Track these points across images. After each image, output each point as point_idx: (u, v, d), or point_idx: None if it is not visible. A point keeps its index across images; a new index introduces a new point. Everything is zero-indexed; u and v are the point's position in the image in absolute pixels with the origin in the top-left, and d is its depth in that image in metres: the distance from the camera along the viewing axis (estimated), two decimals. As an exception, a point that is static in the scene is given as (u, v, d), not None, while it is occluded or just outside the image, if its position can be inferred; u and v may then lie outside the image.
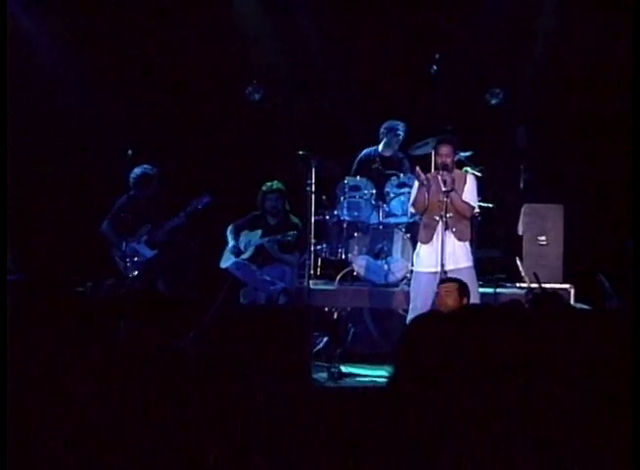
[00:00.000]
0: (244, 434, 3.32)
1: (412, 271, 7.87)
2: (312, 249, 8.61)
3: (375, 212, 8.94)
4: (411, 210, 7.80)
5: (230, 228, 8.87)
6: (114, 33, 9.65)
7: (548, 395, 3.25)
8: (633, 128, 8.56)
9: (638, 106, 8.45)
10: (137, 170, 8.69)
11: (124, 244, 8.54)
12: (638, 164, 8.34)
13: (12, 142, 8.17)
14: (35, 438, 3.30)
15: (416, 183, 7.55)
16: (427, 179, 7.31)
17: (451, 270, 7.24)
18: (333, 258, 8.97)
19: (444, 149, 7.39)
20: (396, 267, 8.65)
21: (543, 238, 9.05)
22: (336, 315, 8.79)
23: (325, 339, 8.40)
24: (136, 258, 8.58)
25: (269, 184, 8.76)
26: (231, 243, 8.75)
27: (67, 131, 9.82)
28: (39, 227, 9.49)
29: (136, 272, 8.57)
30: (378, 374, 7.71)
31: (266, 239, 8.62)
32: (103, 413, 3.40)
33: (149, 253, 8.66)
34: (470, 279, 7.25)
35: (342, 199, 8.92)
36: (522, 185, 9.73)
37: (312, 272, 8.61)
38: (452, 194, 7.26)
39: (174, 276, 8.76)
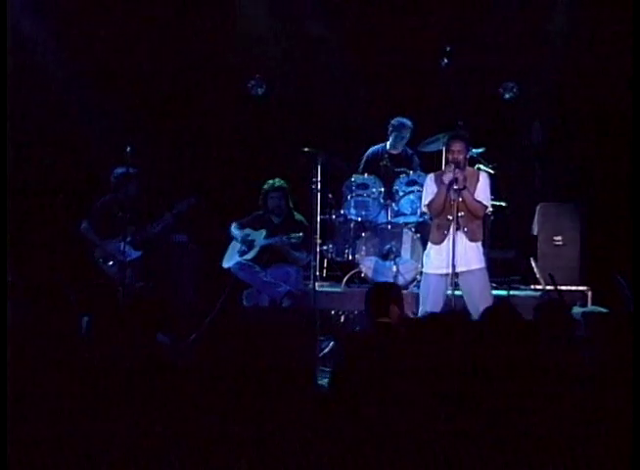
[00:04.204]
0: (246, 439, 3.38)
1: (422, 273, 7.67)
2: (318, 249, 8.53)
3: (383, 211, 8.83)
4: (424, 210, 7.58)
5: (234, 225, 8.72)
6: (113, 28, 9.57)
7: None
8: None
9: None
10: (118, 170, 8.60)
11: (107, 244, 8.50)
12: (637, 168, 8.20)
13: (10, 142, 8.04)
14: (32, 438, 3.41)
15: (428, 180, 7.36)
16: (450, 182, 7.04)
17: (462, 272, 7.12)
18: (339, 258, 8.88)
19: (456, 145, 7.19)
20: (406, 269, 8.54)
21: (559, 238, 8.99)
22: (343, 319, 8.73)
23: (331, 343, 8.26)
24: (120, 259, 8.43)
25: (271, 182, 8.61)
26: (239, 234, 8.55)
27: (65, 129, 9.72)
28: (33, 228, 9.31)
29: (120, 273, 8.40)
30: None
31: (275, 238, 8.39)
32: (101, 415, 3.49)
33: (134, 254, 8.52)
34: (482, 281, 7.21)
35: (349, 197, 8.80)
36: (537, 183, 9.62)
37: (318, 274, 8.51)
38: (464, 192, 7.10)
39: (162, 277, 8.64)
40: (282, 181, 8.60)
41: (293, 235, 8.34)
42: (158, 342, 4.68)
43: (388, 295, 5.73)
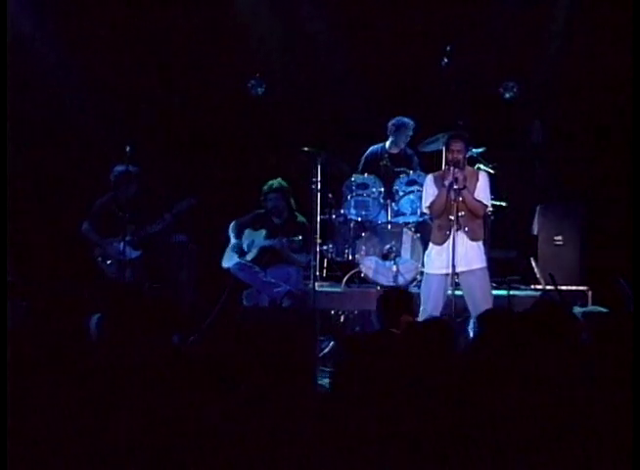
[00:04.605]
0: (246, 438, 3.38)
1: (422, 273, 7.66)
2: (318, 249, 8.48)
3: (383, 211, 8.79)
4: (425, 211, 7.55)
5: (232, 225, 8.68)
6: (111, 28, 9.56)
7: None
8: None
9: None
10: (118, 168, 8.57)
11: (108, 244, 8.49)
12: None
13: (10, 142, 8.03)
14: (33, 438, 3.40)
15: (428, 181, 7.34)
16: (450, 183, 7.03)
17: (463, 272, 7.11)
18: (339, 258, 8.84)
19: (456, 145, 7.18)
20: (406, 268, 8.50)
21: (559, 238, 8.96)
22: (343, 319, 8.72)
23: (331, 343, 8.27)
24: (120, 259, 8.41)
25: (269, 183, 8.57)
26: (233, 241, 8.53)
27: (65, 129, 9.71)
28: (31, 228, 9.29)
29: (119, 272, 8.41)
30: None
31: (275, 240, 8.34)
32: (101, 416, 3.48)
33: (133, 253, 8.52)
34: (483, 281, 7.20)
35: (349, 197, 8.76)
36: (537, 183, 9.60)
37: (318, 274, 8.46)
38: (464, 192, 7.09)
39: (162, 276, 8.65)
40: (281, 182, 8.55)
41: (292, 239, 8.29)
42: (170, 342, 4.66)
43: (399, 305, 5.70)
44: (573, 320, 4.40)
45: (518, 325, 4.17)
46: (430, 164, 8.70)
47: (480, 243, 7.21)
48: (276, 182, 8.54)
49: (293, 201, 8.65)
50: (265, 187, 8.56)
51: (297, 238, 8.27)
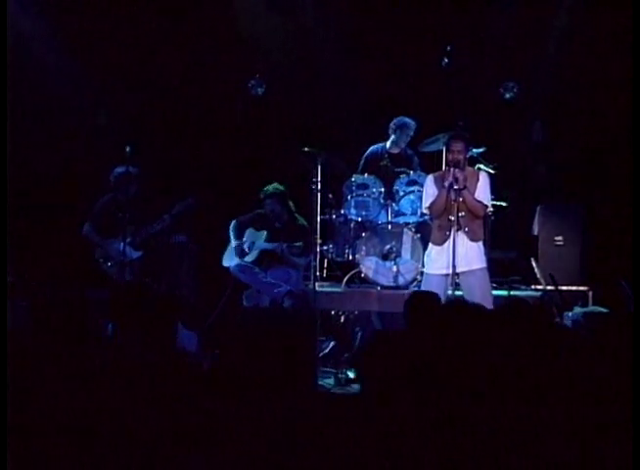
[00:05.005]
0: (246, 438, 3.38)
1: (422, 273, 7.67)
2: (318, 250, 8.48)
3: (383, 212, 8.79)
4: (425, 211, 7.56)
5: (233, 225, 8.66)
6: (111, 28, 9.56)
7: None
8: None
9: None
10: (117, 170, 8.57)
11: (109, 245, 8.50)
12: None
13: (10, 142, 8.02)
14: (34, 441, 3.39)
15: (428, 182, 7.36)
16: (451, 184, 7.03)
17: (463, 272, 7.13)
18: (340, 259, 8.83)
19: (456, 145, 7.19)
20: (406, 269, 8.50)
21: (560, 238, 8.96)
22: (343, 319, 8.70)
23: (332, 343, 8.32)
24: (121, 260, 8.40)
25: (265, 189, 8.49)
26: (234, 242, 8.49)
27: (65, 130, 9.73)
28: (31, 228, 9.29)
29: (120, 273, 8.41)
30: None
31: (275, 245, 8.34)
32: (102, 415, 3.47)
33: (134, 254, 8.52)
34: (483, 281, 7.22)
35: (349, 197, 8.76)
36: (537, 183, 9.63)
37: (318, 274, 8.45)
38: (464, 192, 7.11)
39: (162, 277, 8.63)
40: (276, 187, 8.44)
41: (292, 245, 8.26)
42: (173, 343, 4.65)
43: (426, 307, 5.67)
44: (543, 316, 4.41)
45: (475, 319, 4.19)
46: (430, 164, 8.71)
47: (481, 243, 7.23)
48: (271, 187, 8.47)
49: (291, 203, 8.60)
50: (261, 193, 8.51)
51: (297, 244, 8.23)
